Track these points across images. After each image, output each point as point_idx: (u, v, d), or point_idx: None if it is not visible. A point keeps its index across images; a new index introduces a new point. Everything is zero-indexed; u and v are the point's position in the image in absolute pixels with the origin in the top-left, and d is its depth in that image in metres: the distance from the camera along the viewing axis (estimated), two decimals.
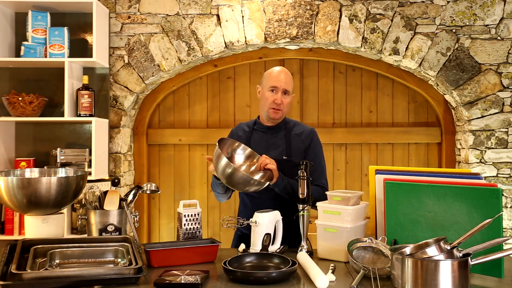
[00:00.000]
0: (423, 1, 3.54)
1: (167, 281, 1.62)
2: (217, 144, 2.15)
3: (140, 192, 2.14)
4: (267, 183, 2.19)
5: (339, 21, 3.53)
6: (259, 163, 2.23)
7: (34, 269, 1.66)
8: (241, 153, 2.34)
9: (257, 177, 2.24)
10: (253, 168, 2.31)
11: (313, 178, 2.19)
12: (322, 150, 2.45)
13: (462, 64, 3.53)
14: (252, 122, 2.51)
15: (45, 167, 2.52)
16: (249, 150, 2.34)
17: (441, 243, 1.57)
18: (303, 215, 2.06)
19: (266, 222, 2.03)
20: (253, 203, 2.39)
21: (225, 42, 3.56)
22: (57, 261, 1.78)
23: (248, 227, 2.11)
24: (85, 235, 2.13)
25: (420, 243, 1.62)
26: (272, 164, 2.20)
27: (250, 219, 2.04)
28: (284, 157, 2.34)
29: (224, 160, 2.08)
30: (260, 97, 2.44)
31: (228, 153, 2.30)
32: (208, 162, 2.28)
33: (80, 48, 3.45)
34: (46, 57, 3.27)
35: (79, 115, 3.28)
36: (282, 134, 2.42)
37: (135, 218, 2.08)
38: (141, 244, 1.93)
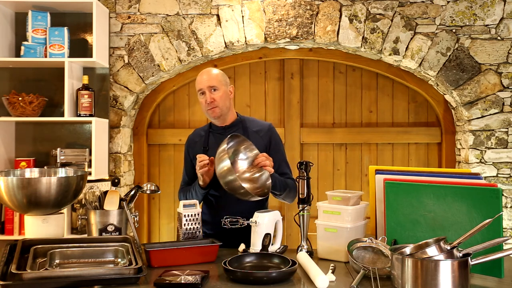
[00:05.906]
0: (423, 1, 3.54)
1: (167, 281, 1.62)
2: (225, 144, 2.11)
3: (140, 192, 2.14)
4: (259, 198, 2.15)
5: (339, 21, 3.53)
6: (256, 162, 2.21)
7: (34, 269, 1.66)
8: (244, 157, 2.29)
9: (261, 179, 2.26)
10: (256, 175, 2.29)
11: (280, 170, 2.38)
12: (281, 142, 2.51)
13: (462, 64, 3.53)
14: (207, 126, 2.50)
15: (45, 167, 2.52)
16: (256, 151, 2.27)
17: (441, 243, 1.57)
18: (303, 215, 2.06)
19: (266, 222, 2.03)
20: (219, 203, 2.38)
21: (225, 42, 3.56)
22: (57, 261, 1.78)
23: (211, 227, 2.31)
24: (85, 235, 2.13)
25: (420, 243, 1.62)
26: (270, 167, 2.19)
27: (250, 219, 2.04)
28: None
29: (226, 163, 2.06)
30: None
31: (230, 157, 2.25)
32: (204, 166, 2.23)
33: (80, 48, 3.45)
34: (46, 57, 3.27)
35: (79, 115, 3.28)
36: (240, 132, 2.38)
37: (135, 218, 2.08)
38: (141, 244, 1.94)
